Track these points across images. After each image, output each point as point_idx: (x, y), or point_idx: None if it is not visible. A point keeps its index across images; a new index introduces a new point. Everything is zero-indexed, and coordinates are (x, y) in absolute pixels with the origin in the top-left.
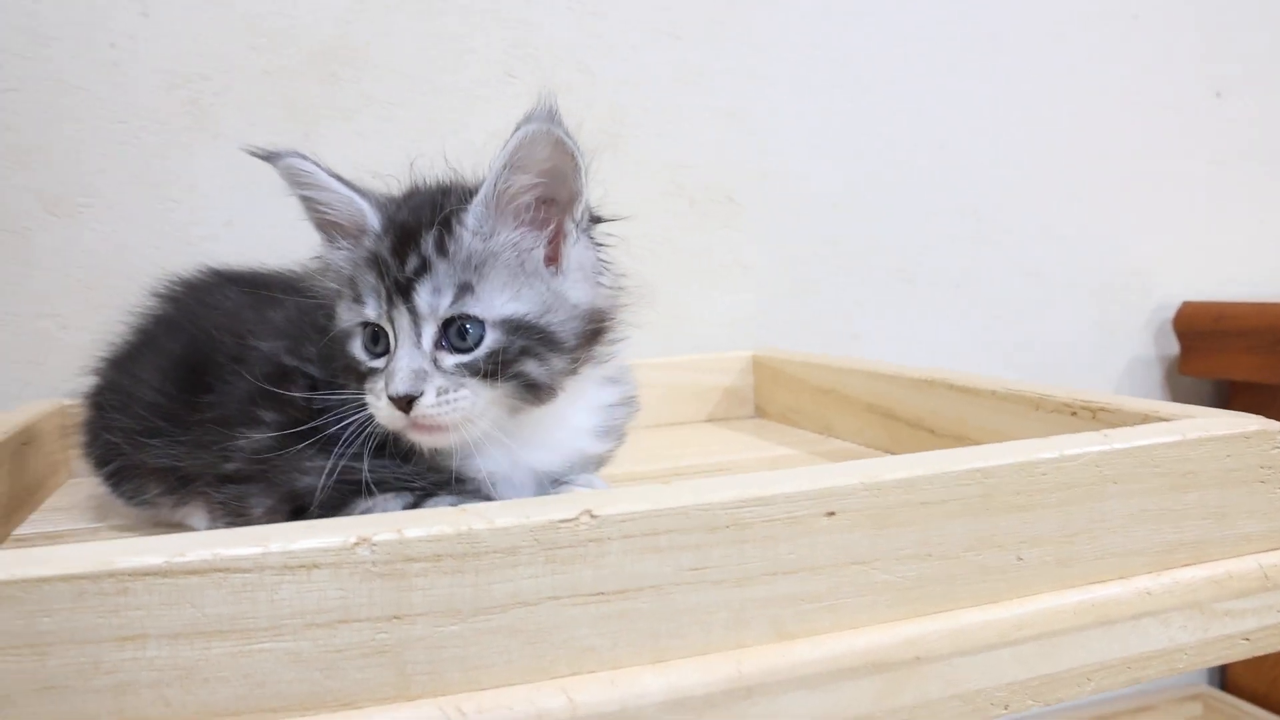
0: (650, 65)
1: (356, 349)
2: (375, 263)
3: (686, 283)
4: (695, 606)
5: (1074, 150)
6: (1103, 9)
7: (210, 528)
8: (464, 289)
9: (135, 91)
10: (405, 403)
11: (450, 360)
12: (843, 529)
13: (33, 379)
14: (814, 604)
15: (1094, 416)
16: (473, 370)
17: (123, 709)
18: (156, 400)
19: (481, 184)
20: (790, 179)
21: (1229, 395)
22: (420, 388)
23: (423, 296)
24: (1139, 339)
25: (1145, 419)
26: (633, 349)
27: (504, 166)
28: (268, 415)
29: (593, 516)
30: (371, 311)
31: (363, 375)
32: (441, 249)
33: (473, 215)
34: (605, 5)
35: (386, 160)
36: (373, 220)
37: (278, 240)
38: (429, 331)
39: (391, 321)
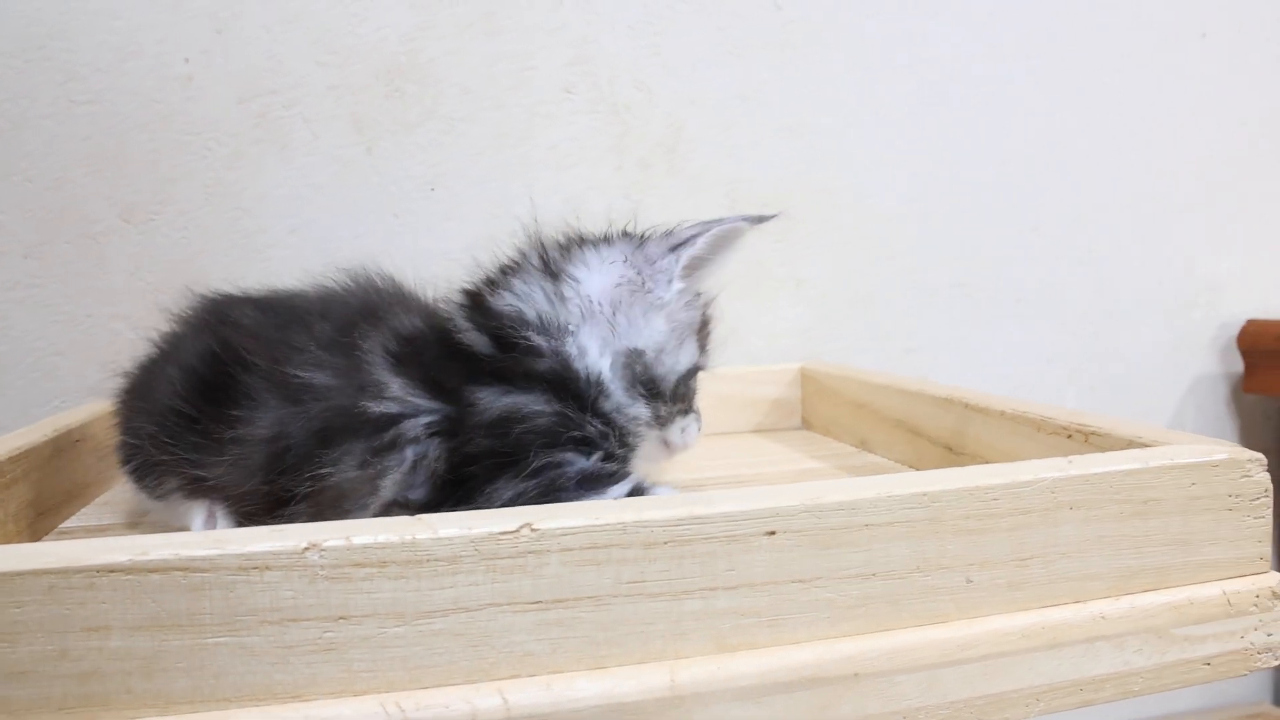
0: (709, 82)
1: (693, 384)
2: (706, 324)
3: (741, 295)
4: (633, 617)
5: (1141, 166)
6: (1171, 27)
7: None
8: None
9: (207, 105)
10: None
11: None
12: (783, 548)
13: (104, 378)
14: (754, 619)
15: (1086, 440)
16: None
17: (88, 695)
18: (176, 406)
19: None
20: (848, 193)
21: None
22: None
23: None
24: (1205, 356)
25: (1130, 444)
26: None
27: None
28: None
29: (533, 529)
30: (707, 362)
31: (689, 406)
32: None
33: None
34: (664, 24)
35: (448, 172)
36: None
37: (338, 249)
38: None
39: None
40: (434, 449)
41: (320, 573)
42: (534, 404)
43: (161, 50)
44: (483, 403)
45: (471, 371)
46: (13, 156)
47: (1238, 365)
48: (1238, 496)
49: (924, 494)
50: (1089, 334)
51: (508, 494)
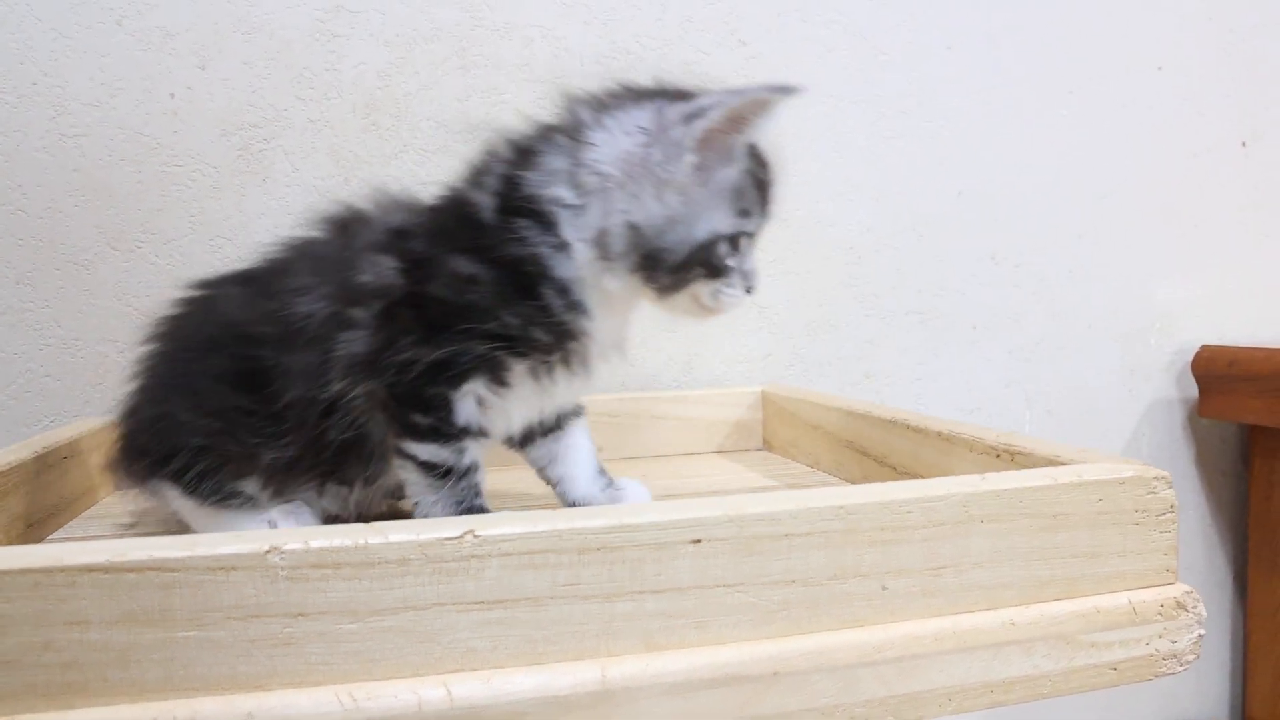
0: None
1: (722, 250)
2: (755, 185)
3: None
4: (568, 617)
5: (1096, 194)
6: (1128, 60)
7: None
8: None
9: (191, 138)
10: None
11: None
12: (708, 555)
13: (92, 399)
14: (680, 620)
15: (1012, 460)
16: None
17: (69, 683)
18: (233, 404)
19: None
20: (808, 222)
21: (1249, 437)
22: None
23: None
24: (1160, 381)
25: (1050, 462)
26: (650, 383)
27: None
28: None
29: (475, 536)
30: (753, 225)
31: (717, 271)
32: None
33: None
34: (631, 59)
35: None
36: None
37: None
38: None
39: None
40: (395, 292)
41: (281, 573)
42: (488, 279)
43: (148, 86)
44: (454, 262)
45: (455, 246)
46: (6, 187)
47: (1193, 390)
48: (1144, 512)
49: (840, 507)
50: (1046, 359)
51: (428, 348)
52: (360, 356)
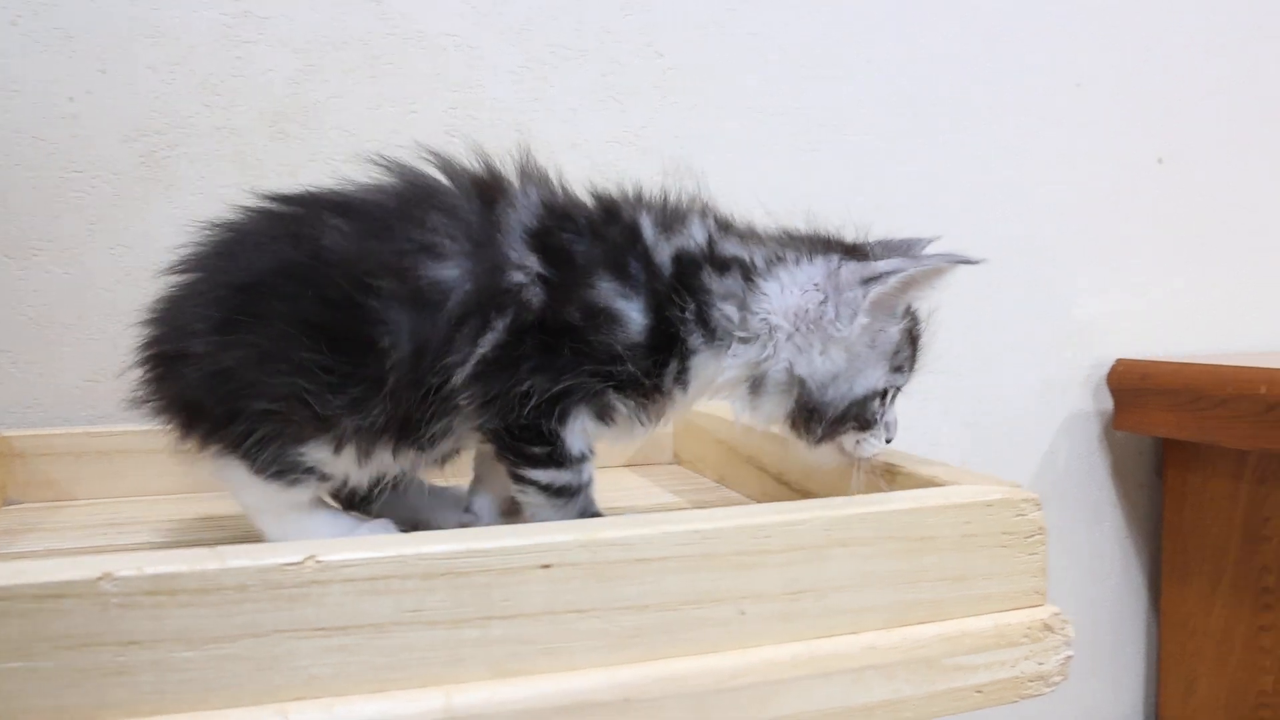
0: (589, 127)
1: (875, 406)
2: (910, 343)
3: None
4: (413, 644)
5: (1016, 210)
6: (1048, 77)
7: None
8: None
9: (92, 144)
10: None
11: None
12: (559, 580)
13: None
14: (530, 646)
15: (893, 479)
16: None
17: None
18: (316, 360)
19: None
20: None
21: (1163, 450)
22: None
23: None
24: (1078, 394)
25: (928, 483)
26: None
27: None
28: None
29: (317, 562)
30: (903, 380)
31: (867, 424)
32: None
33: None
34: (546, 69)
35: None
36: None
37: None
38: None
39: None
40: (533, 307)
41: (113, 601)
42: (634, 325)
43: (47, 89)
44: (600, 288)
45: (610, 263)
46: None
47: (1109, 403)
48: (1012, 534)
49: (696, 531)
50: (965, 372)
51: (547, 381)
52: (489, 360)
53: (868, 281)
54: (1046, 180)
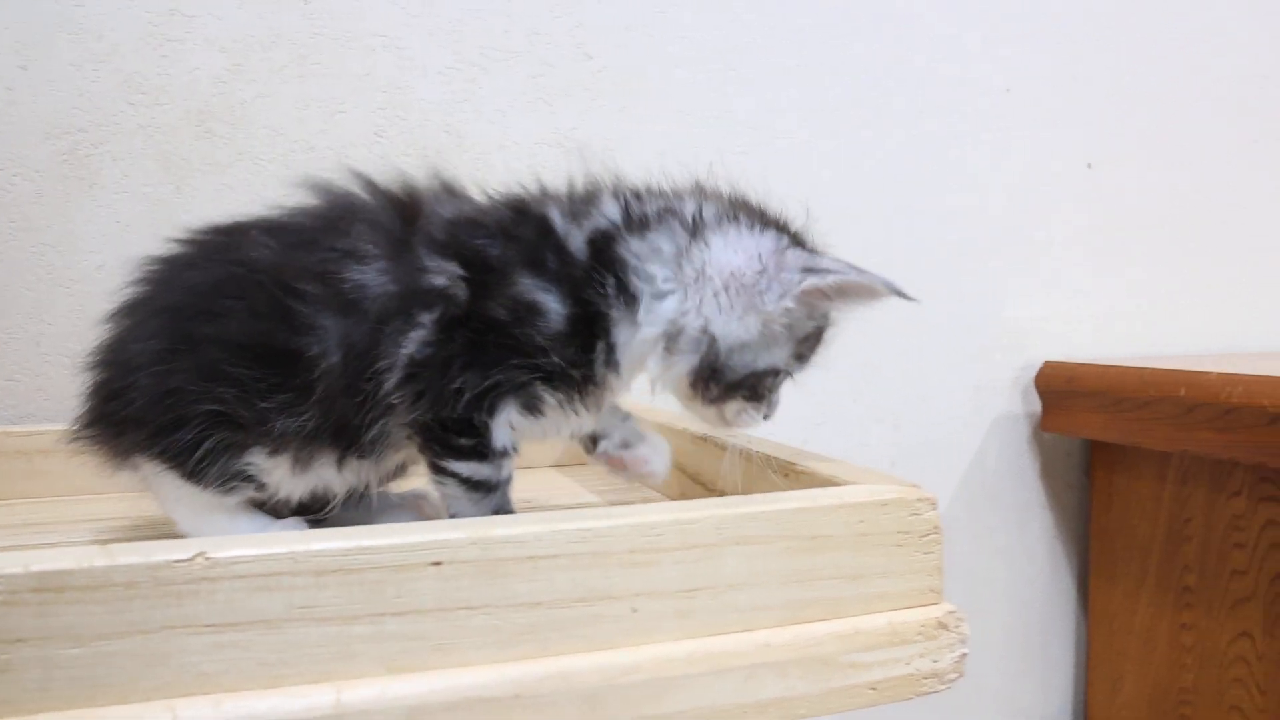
0: (519, 128)
1: (769, 381)
2: (816, 338)
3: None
4: (304, 640)
5: (946, 213)
6: (976, 82)
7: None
8: None
9: (12, 141)
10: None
11: None
12: (450, 577)
13: None
14: (421, 643)
15: (798, 479)
16: None
17: None
18: (244, 373)
19: None
20: None
21: (1090, 451)
22: None
23: None
24: (1008, 396)
25: (826, 482)
26: None
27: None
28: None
29: (207, 558)
30: (799, 368)
31: (756, 396)
32: None
33: None
34: (476, 71)
35: (256, 212)
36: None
37: None
38: None
39: None
40: (460, 302)
41: None
42: (554, 316)
43: None
44: (521, 285)
45: (526, 260)
46: None
47: (1037, 405)
48: (907, 533)
49: (589, 529)
50: (895, 374)
51: (478, 376)
52: (418, 362)
53: (807, 271)
54: (976, 184)
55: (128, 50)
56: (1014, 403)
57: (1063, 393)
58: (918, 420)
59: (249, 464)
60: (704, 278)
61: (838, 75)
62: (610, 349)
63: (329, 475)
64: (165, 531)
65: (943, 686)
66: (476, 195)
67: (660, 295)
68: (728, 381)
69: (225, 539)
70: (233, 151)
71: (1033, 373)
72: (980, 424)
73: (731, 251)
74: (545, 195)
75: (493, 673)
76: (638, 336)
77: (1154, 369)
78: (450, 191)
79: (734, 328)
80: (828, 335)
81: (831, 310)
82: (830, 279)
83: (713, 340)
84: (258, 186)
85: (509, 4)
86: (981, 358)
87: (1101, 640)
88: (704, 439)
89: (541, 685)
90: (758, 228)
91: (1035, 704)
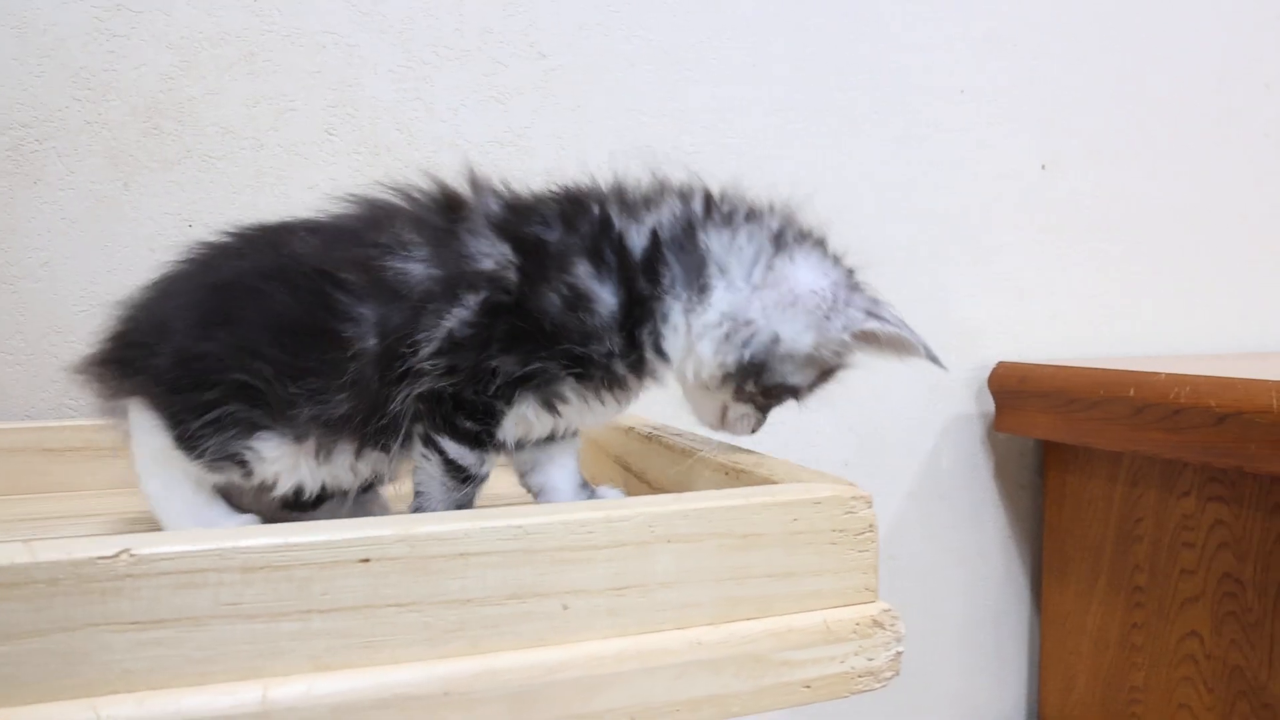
0: (471, 126)
1: (782, 399)
2: (830, 375)
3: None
4: (230, 637)
5: (900, 214)
6: (930, 83)
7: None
8: None
9: None
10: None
11: None
12: (378, 574)
13: None
14: (349, 640)
15: (738, 478)
16: None
17: None
18: (288, 347)
19: None
20: None
21: (1043, 451)
22: None
23: None
24: (962, 397)
25: (765, 481)
26: None
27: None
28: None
29: (131, 555)
30: (805, 396)
31: (764, 408)
32: None
33: None
34: (428, 69)
35: (206, 209)
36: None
37: (92, 284)
38: None
39: None
40: (509, 288)
41: None
42: (604, 307)
43: None
44: (577, 272)
45: (586, 248)
46: None
47: (991, 406)
48: (841, 531)
49: (519, 526)
50: (849, 375)
51: (515, 363)
52: (457, 341)
53: (870, 315)
54: (930, 184)
55: (74, 45)
56: (967, 403)
57: (1016, 393)
58: (872, 421)
59: (251, 447)
60: (779, 286)
61: (792, 74)
62: (658, 338)
63: (346, 466)
64: (114, 529)
65: (878, 685)
66: (521, 191)
67: (733, 288)
68: (765, 383)
69: (149, 535)
70: (181, 148)
71: (986, 373)
72: (934, 424)
73: (811, 272)
74: (600, 190)
75: (422, 670)
76: (701, 320)
77: (1104, 370)
78: (490, 187)
79: (796, 338)
80: (836, 375)
81: (869, 354)
82: (888, 329)
83: (775, 340)
84: (206, 184)
85: (461, 2)
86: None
87: (1054, 639)
88: (649, 438)
89: (471, 683)
90: (830, 259)
91: (989, 702)
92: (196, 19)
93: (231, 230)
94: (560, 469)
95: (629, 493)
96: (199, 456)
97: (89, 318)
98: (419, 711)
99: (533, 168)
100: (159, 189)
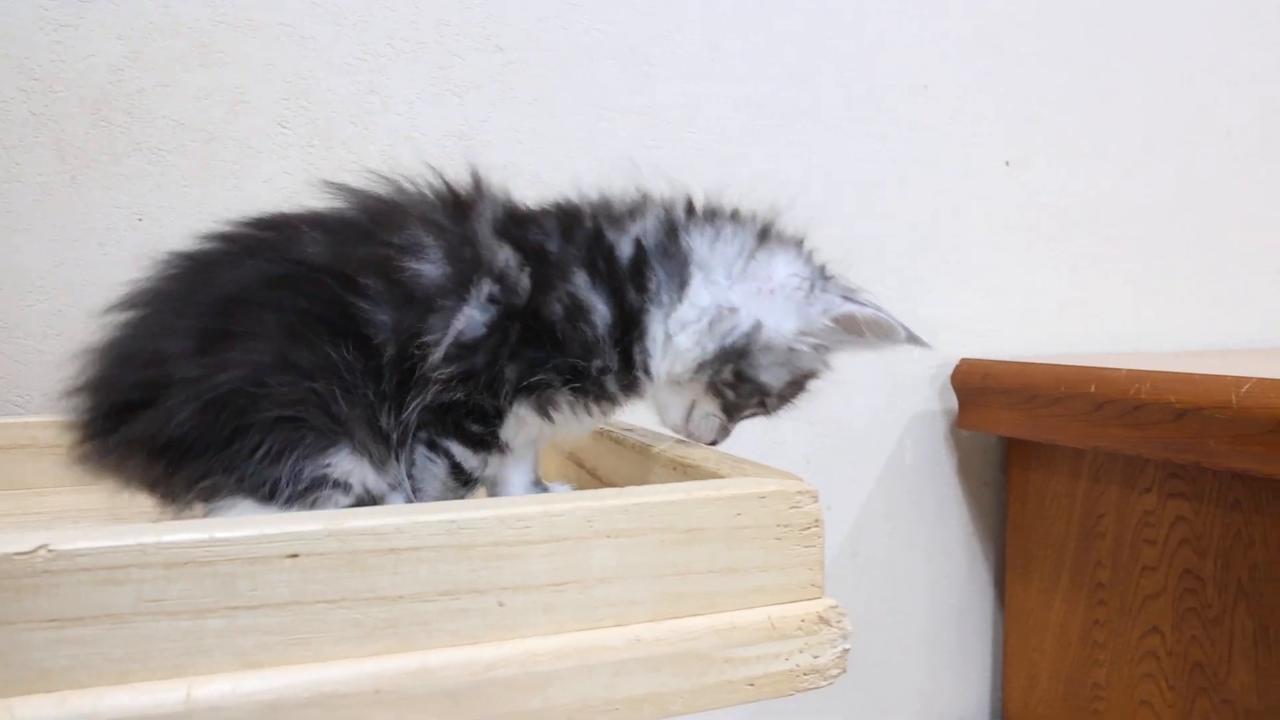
0: (427, 120)
1: (753, 401)
2: (803, 382)
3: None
4: (153, 635)
5: (864, 212)
6: (896, 80)
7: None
8: None
9: None
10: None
11: None
12: (307, 570)
13: None
14: (277, 637)
15: (685, 473)
16: None
17: None
18: (331, 358)
19: None
20: None
21: (1006, 448)
22: None
23: None
24: (925, 393)
25: (712, 475)
26: None
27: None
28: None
29: (50, 551)
30: (776, 404)
31: (735, 407)
32: None
33: None
34: (383, 62)
35: (156, 203)
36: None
37: (40, 278)
38: None
39: None
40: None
41: None
42: (600, 318)
43: None
44: (576, 282)
45: (583, 259)
46: None
47: (954, 402)
48: (787, 526)
49: (452, 521)
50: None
51: (528, 371)
52: (466, 344)
53: (847, 299)
54: (894, 181)
55: (19, 35)
56: (931, 400)
57: (978, 390)
58: (835, 418)
59: (332, 466)
60: (758, 276)
61: (755, 70)
62: (646, 356)
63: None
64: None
65: (825, 683)
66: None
67: (713, 283)
68: (741, 373)
69: (68, 531)
70: (130, 141)
71: (949, 370)
72: (897, 421)
73: (791, 263)
74: (590, 202)
75: (352, 668)
76: (679, 317)
77: (1066, 366)
78: (493, 192)
79: (779, 324)
80: (811, 383)
81: (848, 347)
82: (866, 311)
83: (757, 327)
84: (157, 177)
85: None
86: (899, 355)
87: (1017, 636)
88: (601, 434)
89: (403, 681)
90: (805, 254)
91: (953, 699)
92: (147, 9)
93: (213, 234)
94: (516, 464)
95: (581, 489)
96: (284, 501)
97: (35, 314)
98: (349, 711)
99: (490, 162)
100: (108, 182)
